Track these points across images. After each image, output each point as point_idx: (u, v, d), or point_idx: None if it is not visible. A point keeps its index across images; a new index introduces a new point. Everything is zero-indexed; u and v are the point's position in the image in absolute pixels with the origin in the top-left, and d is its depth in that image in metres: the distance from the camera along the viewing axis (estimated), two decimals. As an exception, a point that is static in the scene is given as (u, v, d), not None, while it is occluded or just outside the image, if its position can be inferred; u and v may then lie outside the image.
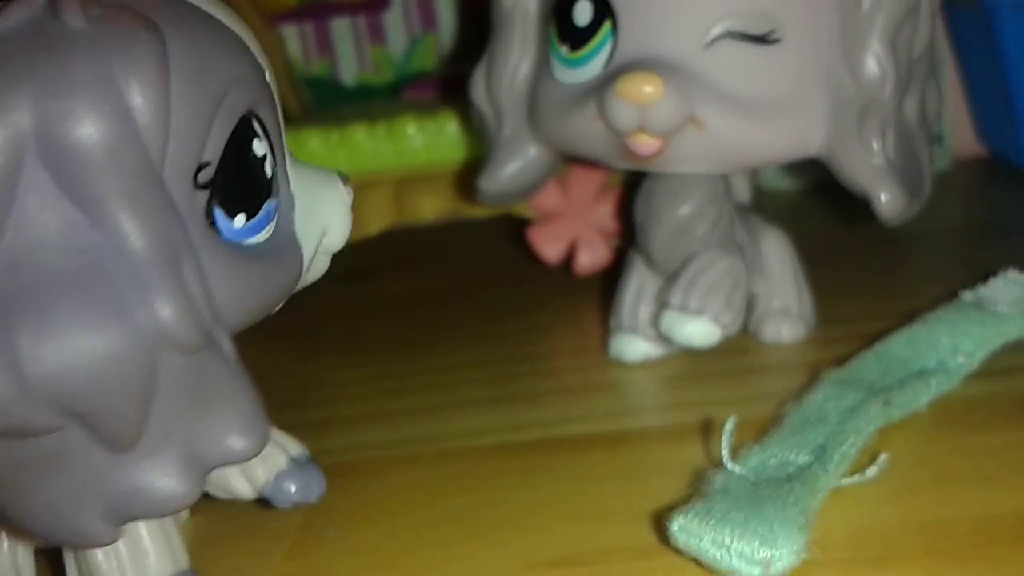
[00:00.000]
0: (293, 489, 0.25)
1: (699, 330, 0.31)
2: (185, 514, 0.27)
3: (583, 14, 0.30)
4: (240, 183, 0.20)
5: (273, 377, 0.38)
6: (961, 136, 0.57)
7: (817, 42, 0.30)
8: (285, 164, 0.22)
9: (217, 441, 0.19)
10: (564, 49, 0.31)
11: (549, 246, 0.42)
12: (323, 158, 0.43)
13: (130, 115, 0.18)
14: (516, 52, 0.33)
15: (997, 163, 0.55)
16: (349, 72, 0.56)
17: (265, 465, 0.25)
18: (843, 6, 0.29)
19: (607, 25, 0.30)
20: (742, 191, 0.36)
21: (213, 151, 0.19)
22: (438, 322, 0.41)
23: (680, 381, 0.33)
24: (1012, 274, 0.33)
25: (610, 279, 0.36)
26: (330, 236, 0.23)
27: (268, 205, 0.20)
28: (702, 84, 0.29)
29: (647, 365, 0.34)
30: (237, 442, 0.19)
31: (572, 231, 0.42)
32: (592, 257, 0.42)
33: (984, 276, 0.34)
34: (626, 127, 0.29)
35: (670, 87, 0.28)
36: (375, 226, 0.43)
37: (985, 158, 0.57)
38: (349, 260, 0.46)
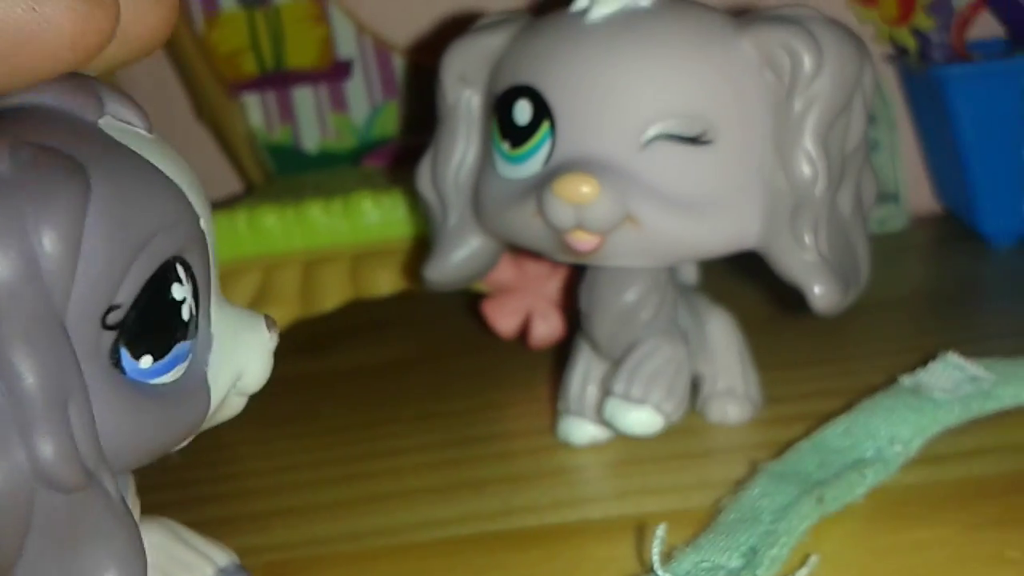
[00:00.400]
0: None
1: (641, 419, 0.31)
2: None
3: (523, 113, 0.31)
4: (150, 326, 0.20)
5: (220, 463, 0.38)
6: (919, 194, 0.58)
7: (749, 142, 0.30)
8: (209, 305, 0.22)
9: None
10: (506, 146, 0.32)
11: (504, 320, 0.42)
12: (279, 235, 0.44)
13: (35, 260, 0.18)
14: (460, 145, 0.34)
15: (956, 222, 0.56)
16: (311, 139, 0.56)
17: None
18: (775, 108, 0.30)
19: (546, 125, 0.31)
20: (689, 272, 0.37)
21: (127, 294, 0.19)
22: (394, 398, 0.42)
23: (625, 467, 0.33)
24: (952, 358, 0.33)
25: (567, 351, 0.36)
26: (246, 380, 0.23)
27: (179, 347, 0.20)
28: (637, 183, 0.29)
29: (594, 448, 0.34)
30: None
31: (527, 304, 0.42)
32: (548, 330, 0.42)
33: (931, 348, 0.34)
34: (564, 225, 0.30)
35: (606, 187, 0.29)
36: (331, 302, 0.43)
37: (944, 217, 0.57)
38: (308, 330, 0.47)
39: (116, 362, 0.19)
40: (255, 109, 0.56)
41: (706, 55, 0.30)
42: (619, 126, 0.30)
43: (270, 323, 0.23)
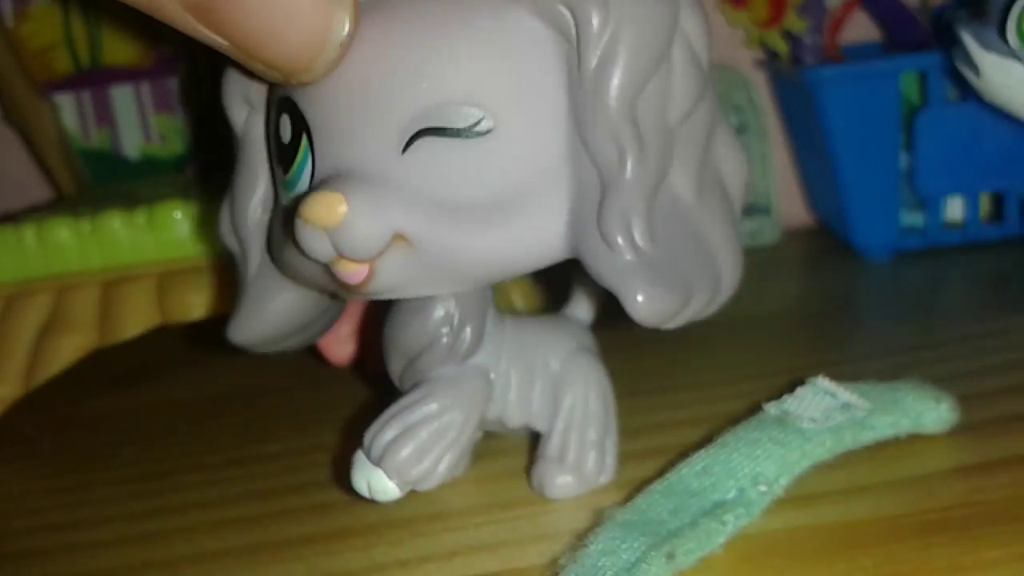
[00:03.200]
0: None
1: (375, 485, 0.26)
2: None
3: (286, 129, 0.26)
4: None
5: (21, 508, 0.33)
6: (791, 206, 0.55)
7: (540, 126, 0.25)
8: None
9: None
10: (280, 171, 0.26)
11: (336, 348, 0.37)
12: (74, 251, 0.38)
13: None
14: (254, 180, 0.28)
15: (829, 235, 0.53)
16: (132, 144, 0.50)
17: None
18: (568, 79, 0.25)
19: (305, 140, 0.25)
20: (581, 310, 0.32)
21: None
22: (204, 440, 0.36)
23: (456, 518, 0.28)
24: (821, 382, 0.29)
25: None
26: None
27: None
28: (404, 193, 0.24)
29: (421, 495, 0.29)
30: None
31: (359, 331, 0.37)
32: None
33: (803, 367, 0.31)
34: (322, 256, 0.24)
35: (357, 204, 0.24)
36: (134, 328, 0.38)
37: (817, 230, 0.55)
38: (110, 361, 0.41)
39: None
40: (69, 110, 0.50)
41: (471, 29, 0.24)
42: (373, 128, 0.24)
43: None
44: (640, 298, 0.24)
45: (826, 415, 0.28)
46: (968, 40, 0.40)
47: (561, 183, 0.25)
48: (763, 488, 0.26)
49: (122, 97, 0.50)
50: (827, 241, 0.53)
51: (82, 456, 0.36)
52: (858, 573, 0.23)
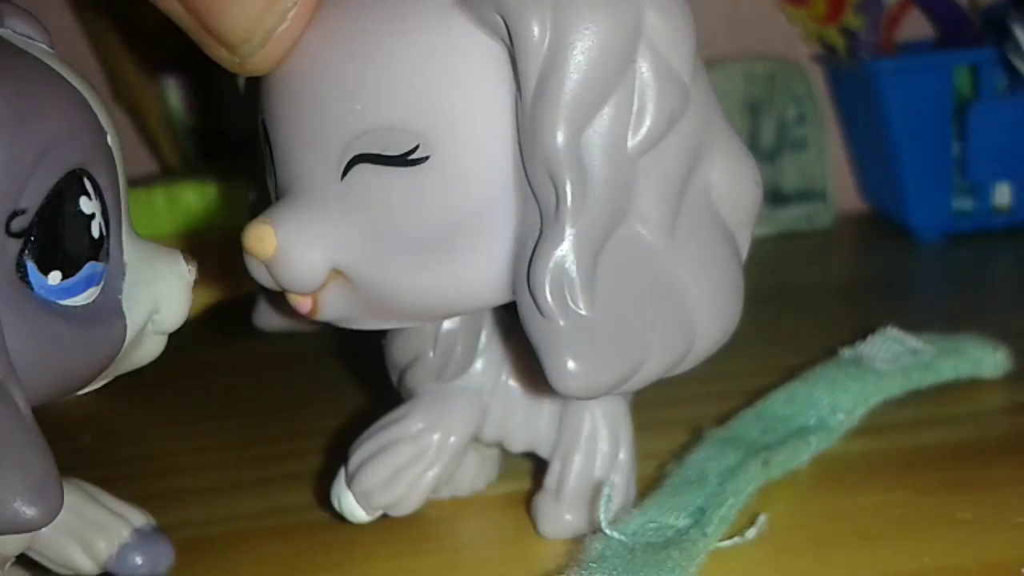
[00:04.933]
0: (139, 562, 0.24)
1: (344, 506, 0.26)
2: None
3: (263, 136, 0.24)
4: (58, 238, 0.19)
5: (139, 443, 0.36)
6: (844, 192, 0.59)
7: (482, 156, 0.21)
8: (121, 232, 0.21)
9: (1, 506, 0.17)
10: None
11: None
12: (200, 212, 0.42)
13: None
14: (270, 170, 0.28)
15: (880, 220, 0.56)
16: (233, 123, 0.54)
17: (106, 538, 0.24)
18: (513, 99, 0.21)
19: (269, 153, 0.24)
20: None
21: (31, 199, 0.18)
22: (315, 384, 0.40)
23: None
24: (891, 331, 0.33)
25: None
26: (163, 314, 0.21)
27: (91, 267, 0.20)
28: (340, 224, 0.22)
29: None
30: (24, 509, 0.17)
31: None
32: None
33: (865, 332, 0.34)
34: (268, 284, 0.23)
35: (287, 239, 0.22)
36: (251, 284, 0.41)
37: (868, 215, 0.58)
38: (232, 315, 0.45)
39: (23, 275, 0.18)
40: (176, 91, 0.54)
41: (408, 43, 0.21)
42: (312, 151, 0.22)
43: (187, 258, 0.22)
44: (571, 367, 0.21)
45: (896, 357, 0.32)
46: (1020, 34, 0.43)
47: (506, 219, 0.22)
48: (841, 416, 0.30)
49: (224, 79, 0.54)
50: (879, 225, 0.56)
51: (207, 396, 0.40)
52: (931, 484, 0.27)
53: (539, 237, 0.21)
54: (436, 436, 0.25)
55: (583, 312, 0.21)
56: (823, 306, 0.44)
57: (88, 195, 0.19)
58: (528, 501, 0.27)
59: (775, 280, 0.48)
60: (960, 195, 0.51)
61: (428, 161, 0.21)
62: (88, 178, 0.19)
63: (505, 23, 0.20)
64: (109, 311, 0.20)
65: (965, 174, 0.50)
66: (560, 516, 0.25)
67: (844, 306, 0.44)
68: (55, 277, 0.19)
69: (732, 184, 0.24)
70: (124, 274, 0.21)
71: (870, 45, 0.53)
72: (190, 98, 0.54)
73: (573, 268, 0.21)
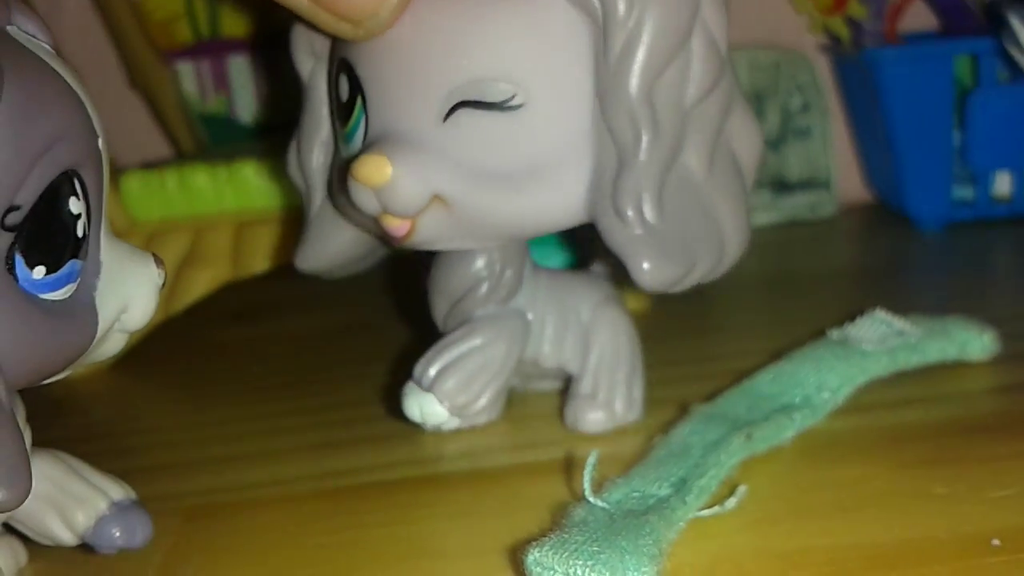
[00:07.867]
0: (116, 534, 0.25)
1: (425, 408, 0.30)
2: (23, 558, 0.26)
3: (344, 89, 0.29)
4: (47, 236, 0.20)
5: (146, 417, 0.38)
6: (848, 182, 0.59)
7: (567, 103, 0.27)
8: (99, 232, 0.22)
9: None
10: (339, 124, 0.30)
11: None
12: (210, 195, 0.43)
13: None
14: (318, 126, 0.31)
15: (883, 209, 0.57)
16: (246, 109, 0.55)
17: (84, 509, 0.24)
18: (594, 61, 0.27)
19: (360, 101, 0.28)
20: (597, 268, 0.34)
21: (27, 196, 0.19)
22: (319, 363, 0.41)
23: (551, 419, 0.33)
24: (879, 313, 0.33)
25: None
26: (130, 314, 0.23)
27: (72, 264, 0.21)
28: (443, 159, 0.27)
29: (540, 395, 0.33)
30: None
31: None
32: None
33: (858, 315, 0.34)
34: (371, 210, 0.28)
35: (401, 168, 0.27)
36: (261, 265, 0.43)
37: (872, 204, 0.59)
38: (241, 297, 0.46)
39: (10, 268, 0.19)
40: (189, 77, 0.55)
41: (508, 11, 0.27)
42: (418, 98, 0.27)
43: (158, 261, 0.23)
44: (646, 267, 0.27)
45: (883, 339, 0.32)
46: (1017, 24, 0.43)
47: (584, 156, 0.27)
48: (826, 395, 0.30)
49: (237, 66, 0.55)
50: (882, 214, 0.56)
51: (214, 374, 0.41)
52: (910, 459, 0.27)
53: (618, 169, 0.27)
54: (500, 347, 0.30)
55: (655, 223, 0.27)
56: (824, 293, 0.44)
57: (77, 196, 0.20)
58: (509, 474, 0.29)
59: (778, 267, 0.49)
60: (961, 184, 0.52)
61: (522, 108, 0.27)
62: (78, 179, 0.20)
63: (599, 1, 0.26)
64: (83, 307, 0.21)
65: (965, 163, 0.50)
66: (597, 413, 0.31)
67: (844, 293, 0.44)
68: (40, 271, 0.20)
69: (746, 134, 0.30)
70: (99, 272, 0.22)
71: (874, 35, 0.54)
72: (203, 84, 0.55)
73: (648, 188, 0.27)
